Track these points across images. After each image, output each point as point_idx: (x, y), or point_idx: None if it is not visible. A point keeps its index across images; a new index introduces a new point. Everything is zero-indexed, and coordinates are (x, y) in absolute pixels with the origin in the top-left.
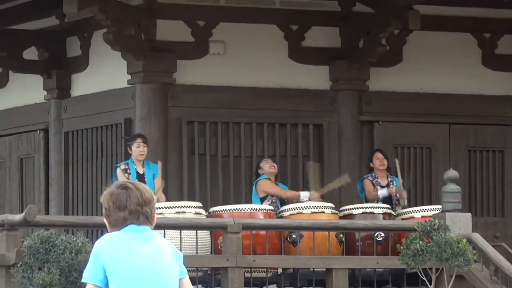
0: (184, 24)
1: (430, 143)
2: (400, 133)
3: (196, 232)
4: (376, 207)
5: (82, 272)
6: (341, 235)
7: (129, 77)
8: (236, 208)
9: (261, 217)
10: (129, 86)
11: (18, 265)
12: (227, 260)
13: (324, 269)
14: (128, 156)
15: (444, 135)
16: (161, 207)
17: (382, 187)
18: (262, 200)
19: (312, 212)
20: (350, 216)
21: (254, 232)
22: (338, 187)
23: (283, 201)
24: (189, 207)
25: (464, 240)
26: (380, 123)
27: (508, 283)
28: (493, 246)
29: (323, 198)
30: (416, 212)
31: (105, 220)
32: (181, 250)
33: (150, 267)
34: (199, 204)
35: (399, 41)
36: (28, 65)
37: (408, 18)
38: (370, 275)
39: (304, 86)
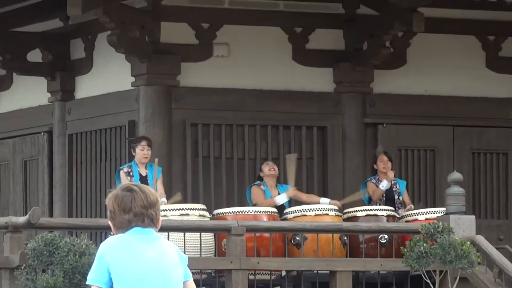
0: (188, 26)
1: (434, 145)
2: (404, 136)
3: (200, 234)
4: (380, 209)
5: (86, 274)
6: (345, 238)
7: (133, 79)
8: (240, 210)
9: (265, 219)
10: (133, 88)
11: (22, 268)
12: (231, 262)
13: (328, 272)
14: (131, 158)
15: (448, 138)
16: (165, 210)
17: (386, 190)
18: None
19: (316, 215)
20: (354, 219)
21: (258, 234)
22: (295, 171)
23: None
24: (193, 209)
25: (468, 243)
26: (384, 125)
27: None
28: (497, 248)
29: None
30: (420, 214)
31: (110, 223)
32: (185, 253)
33: (155, 270)
34: (203, 206)
35: (403, 43)
36: (32, 67)
37: (412, 20)
38: (374, 278)
39: (308, 88)
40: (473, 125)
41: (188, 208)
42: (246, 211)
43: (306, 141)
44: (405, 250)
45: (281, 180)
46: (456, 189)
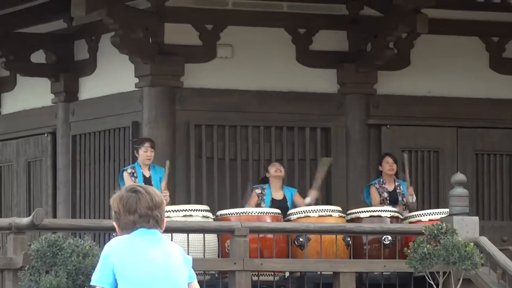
0: (192, 27)
1: (437, 146)
2: (408, 137)
3: (204, 235)
4: (383, 211)
5: (89, 275)
6: (349, 239)
7: (136, 80)
8: (244, 212)
9: (269, 220)
10: (136, 89)
11: (26, 269)
12: (234, 263)
13: (332, 273)
14: (135, 159)
15: (452, 139)
16: (169, 211)
17: (389, 192)
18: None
19: (320, 216)
20: (358, 220)
21: (261, 235)
22: (324, 175)
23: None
24: (196, 210)
25: (472, 244)
26: (388, 126)
27: None
28: (500, 249)
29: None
30: (424, 215)
31: (114, 224)
32: (188, 254)
33: (161, 271)
34: (206, 207)
35: (407, 44)
36: (36, 69)
37: (416, 21)
38: (378, 279)
39: (312, 89)
40: (476, 126)
41: (192, 209)
42: (249, 212)
43: (309, 142)
44: (409, 251)
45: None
46: (460, 190)
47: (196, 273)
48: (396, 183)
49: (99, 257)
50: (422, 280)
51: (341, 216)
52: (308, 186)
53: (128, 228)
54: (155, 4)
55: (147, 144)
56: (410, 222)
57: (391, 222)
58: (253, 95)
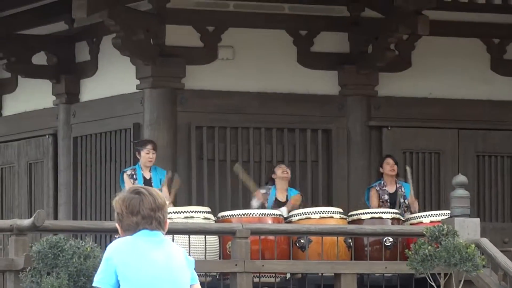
0: (193, 29)
1: (438, 148)
2: (409, 138)
3: (205, 237)
4: (384, 212)
5: (90, 277)
6: (350, 240)
7: (138, 82)
8: (245, 213)
9: (270, 222)
10: (137, 91)
11: (27, 270)
12: (236, 265)
13: (333, 274)
14: (136, 160)
15: (453, 140)
16: (170, 212)
17: (390, 194)
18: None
19: (321, 217)
20: (359, 221)
21: (262, 237)
22: (245, 178)
23: (282, 204)
24: (197, 212)
25: (473, 245)
26: (389, 128)
27: None
28: (501, 251)
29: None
30: (425, 217)
31: (117, 225)
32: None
33: (163, 273)
34: (207, 209)
35: (408, 46)
36: (37, 70)
37: (417, 23)
38: (379, 280)
39: (313, 91)
40: (478, 128)
41: (193, 211)
42: (251, 214)
43: (310, 144)
44: (410, 253)
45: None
46: (461, 192)
47: (197, 275)
48: (398, 185)
49: (100, 259)
50: (423, 281)
51: (342, 218)
52: (309, 188)
53: (131, 229)
54: (156, 6)
55: (149, 146)
56: (411, 224)
57: (392, 223)
58: (254, 97)
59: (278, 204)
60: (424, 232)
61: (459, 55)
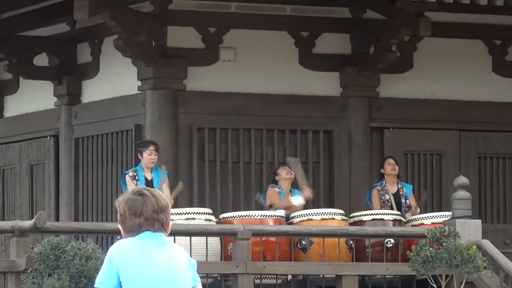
0: (195, 30)
1: (440, 149)
2: (410, 140)
3: (206, 238)
4: (386, 214)
5: (92, 278)
6: (351, 242)
7: (139, 83)
8: (246, 215)
9: (271, 223)
10: (139, 92)
11: (28, 271)
12: (237, 266)
13: (334, 276)
14: (138, 162)
15: (454, 142)
16: (171, 214)
17: (392, 194)
18: (269, 207)
19: (322, 219)
20: (360, 223)
21: (264, 238)
22: (302, 172)
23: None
24: (199, 213)
25: (474, 247)
26: (391, 129)
27: None
28: (503, 252)
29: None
30: (426, 218)
31: (120, 226)
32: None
33: (165, 274)
34: (209, 210)
35: (409, 47)
36: (39, 71)
37: (418, 24)
38: (380, 282)
39: (315, 92)
40: (479, 129)
41: (194, 212)
42: (252, 215)
43: (312, 145)
44: (411, 254)
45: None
46: (462, 193)
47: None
48: (399, 185)
49: (101, 260)
50: (425, 283)
51: (343, 219)
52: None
53: (134, 231)
54: (158, 7)
55: (151, 147)
56: (413, 225)
57: (393, 225)
58: (256, 98)
59: None
60: (426, 234)
61: (461, 57)
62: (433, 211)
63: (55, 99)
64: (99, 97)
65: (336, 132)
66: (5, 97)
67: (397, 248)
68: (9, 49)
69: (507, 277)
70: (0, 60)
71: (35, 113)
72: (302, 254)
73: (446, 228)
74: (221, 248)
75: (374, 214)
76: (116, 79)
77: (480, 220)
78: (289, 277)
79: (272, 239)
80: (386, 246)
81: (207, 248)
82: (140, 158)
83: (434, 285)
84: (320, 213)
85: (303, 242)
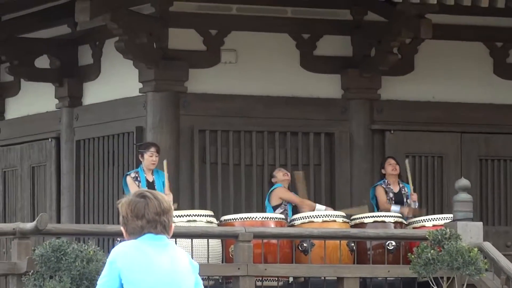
0: (196, 32)
1: (441, 152)
2: (412, 142)
3: (208, 240)
4: (387, 216)
5: (93, 280)
6: (352, 244)
7: (140, 85)
8: (248, 217)
9: (273, 225)
10: (140, 94)
11: (30, 274)
12: (238, 268)
13: (335, 278)
14: (139, 164)
15: (456, 144)
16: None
17: (395, 193)
18: (274, 209)
19: (323, 221)
20: (361, 225)
21: (265, 240)
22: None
23: (295, 211)
24: (200, 215)
25: (475, 249)
26: (392, 131)
27: None
28: (504, 255)
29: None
30: (428, 221)
31: (122, 228)
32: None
33: (167, 277)
34: (210, 212)
35: (410, 50)
36: (40, 74)
37: (420, 27)
38: (381, 284)
39: (316, 94)
40: (480, 132)
41: (196, 215)
42: (253, 217)
43: (313, 147)
44: (413, 256)
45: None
46: (464, 196)
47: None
48: (401, 185)
49: (103, 262)
50: (426, 285)
51: (345, 222)
52: (312, 191)
53: (136, 233)
54: (159, 9)
55: (152, 149)
56: (414, 228)
57: (395, 227)
58: (257, 100)
59: None
60: (427, 236)
61: (462, 59)
62: (434, 214)
63: (56, 101)
64: (101, 99)
65: (337, 134)
66: (7, 99)
67: (399, 250)
68: (11, 51)
69: (508, 280)
70: (1, 62)
71: (36, 115)
72: (304, 256)
73: (448, 230)
74: (222, 250)
75: (376, 216)
76: (117, 81)
77: (481, 222)
78: (290, 279)
79: (274, 241)
80: (387, 248)
81: (208, 250)
82: (141, 160)
83: None
84: (321, 215)
85: (305, 244)
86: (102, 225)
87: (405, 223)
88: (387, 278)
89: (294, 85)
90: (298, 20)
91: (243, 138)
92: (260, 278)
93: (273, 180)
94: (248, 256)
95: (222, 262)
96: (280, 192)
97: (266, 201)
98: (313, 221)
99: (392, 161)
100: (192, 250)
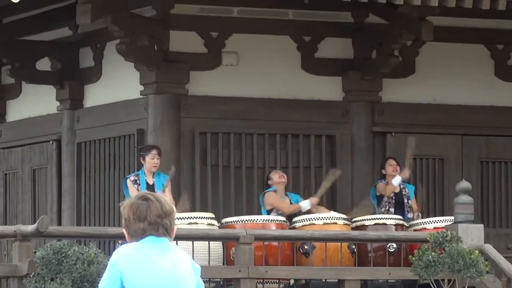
0: (197, 35)
1: (442, 154)
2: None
3: (209, 243)
4: (388, 218)
5: (94, 283)
6: (353, 246)
7: (142, 88)
8: (249, 219)
9: (274, 228)
10: (142, 97)
11: (31, 276)
12: (239, 271)
13: (336, 280)
14: (140, 166)
15: (457, 146)
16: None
17: (395, 193)
18: (268, 212)
19: (325, 223)
20: (363, 227)
21: (266, 243)
22: (330, 185)
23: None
24: (201, 218)
25: (476, 251)
26: (393, 134)
27: None
28: (505, 257)
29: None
30: (428, 223)
31: (124, 231)
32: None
33: (169, 279)
34: (211, 215)
35: (412, 52)
36: (41, 76)
37: (421, 29)
38: (382, 286)
39: (317, 97)
40: (481, 134)
41: (197, 217)
42: (254, 219)
43: (314, 149)
44: (414, 258)
45: (289, 188)
46: (465, 198)
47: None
48: (402, 185)
49: (104, 265)
50: (427, 287)
51: (346, 224)
52: (313, 194)
53: (138, 235)
54: (160, 12)
55: (154, 152)
56: (415, 230)
57: (396, 229)
58: (258, 103)
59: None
60: (428, 238)
61: (463, 61)
62: (435, 216)
63: (58, 103)
64: (102, 102)
65: (338, 137)
66: (8, 101)
67: (400, 252)
68: (12, 54)
69: (509, 282)
70: (2, 64)
71: (38, 117)
72: (305, 258)
73: (449, 232)
74: (223, 252)
75: (377, 218)
76: (118, 83)
77: (482, 225)
78: (292, 281)
79: (275, 243)
80: (388, 250)
81: (209, 253)
82: (143, 162)
83: None
84: (322, 217)
85: (306, 247)
86: (103, 227)
87: (406, 225)
88: (388, 280)
89: (295, 88)
90: (299, 22)
91: (244, 141)
92: (261, 281)
93: (269, 182)
94: (249, 259)
95: (223, 264)
96: (269, 198)
97: (261, 204)
98: (314, 223)
99: (393, 162)
100: (193, 252)
